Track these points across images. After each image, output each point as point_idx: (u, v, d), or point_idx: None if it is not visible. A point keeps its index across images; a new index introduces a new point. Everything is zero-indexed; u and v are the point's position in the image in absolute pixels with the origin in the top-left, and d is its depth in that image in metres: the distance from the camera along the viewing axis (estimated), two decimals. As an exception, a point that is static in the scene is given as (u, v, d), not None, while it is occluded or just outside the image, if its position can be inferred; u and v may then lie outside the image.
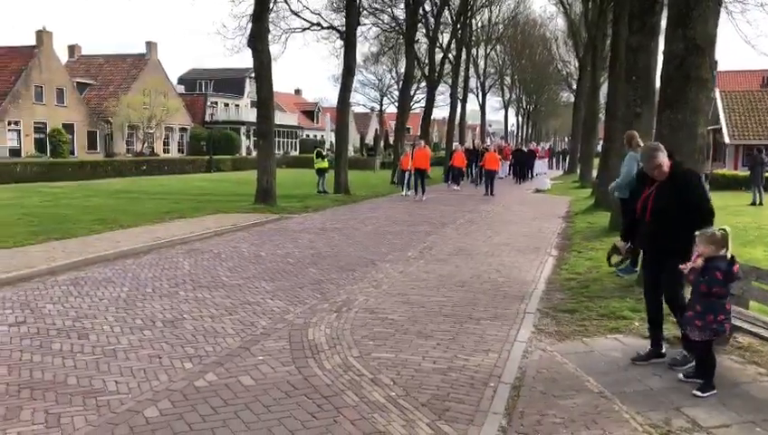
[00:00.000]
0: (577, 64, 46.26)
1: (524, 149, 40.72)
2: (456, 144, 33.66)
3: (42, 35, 42.93)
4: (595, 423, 4.55)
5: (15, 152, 40.09)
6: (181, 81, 64.15)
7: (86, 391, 5.02)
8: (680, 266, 5.16)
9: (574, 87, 49.52)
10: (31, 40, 43.67)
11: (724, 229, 5.07)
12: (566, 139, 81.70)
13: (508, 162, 38.03)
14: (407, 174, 24.27)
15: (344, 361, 5.78)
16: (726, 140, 35.79)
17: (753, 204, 21.47)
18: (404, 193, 24.07)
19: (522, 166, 35.66)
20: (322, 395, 5.00)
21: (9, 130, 40.62)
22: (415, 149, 24.18)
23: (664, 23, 9.70)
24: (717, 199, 21.62)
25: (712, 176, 29.88)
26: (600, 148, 27.78)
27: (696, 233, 5.13)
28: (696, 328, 5.00)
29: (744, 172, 30.39)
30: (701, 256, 5.05)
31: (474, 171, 32.31)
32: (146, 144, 49.62)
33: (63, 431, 4.34)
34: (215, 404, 4.80)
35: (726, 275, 4.95)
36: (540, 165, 41.70)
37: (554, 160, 59.46)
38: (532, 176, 36.63)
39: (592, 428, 4.48)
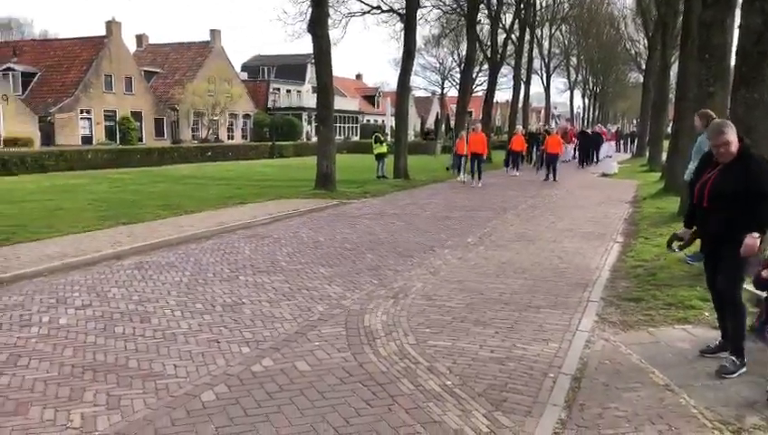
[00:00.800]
0: (646, 43, 44.64)
1: (589, 131, 38.38)
2: (518, 127, 32.19)
3: (111, 26, 44.33)
4: (660, 418, 4.35)
5: (87, 140, 41.67)
6: (244, 68, 65.25)
7: (146, 374, 5.11)
8: (756, 274, 4.71)
9: (643, 67, 47.88)
10: (101, 30, 45.22)
11: None
12: (634, 121, 79.24)
13: (573, 145, 37.05)
14: (462, 159, 23.62)
15: (400, 348, 5.72)
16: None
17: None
18: (459, 179, 23.35)
19: (586, 149, 34.14)
20: (377, 382, 4.95)
21: (81, 118, 42.22)
22: (470, 132, 23.45)
23: (740, -4, 9.16)
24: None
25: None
26: (669, 130, 26.79)
27: None
28: None
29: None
30: None
31: (535, 155, 31.18)
32: (210, 131, 50.74)
33: (123, 413, 4.43)
34: (270, 389, 4.82)
35: None
36: (607, 148, 40.24)
37: (622, 143, 57.81)
38: (597, 159, 35.04)
39: (657, 423, 4.28)
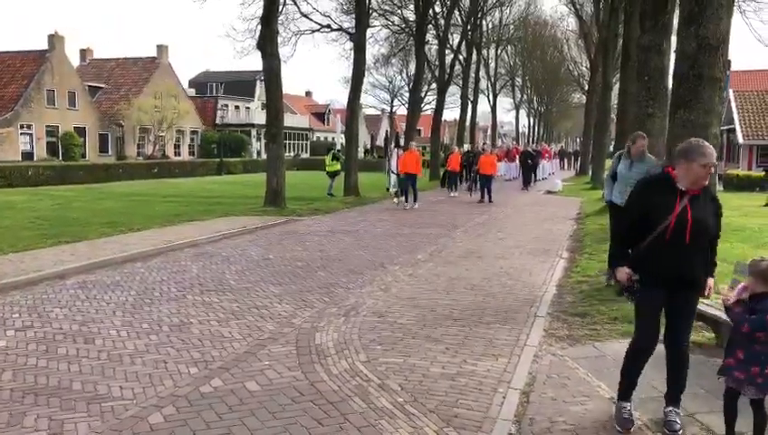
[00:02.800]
0: (588, 65, 46.06)
1: (530, 149, 35.99)
2: (453, 146, 31.22)
3: (53, 39, 43.21)
4: (605, 430, 4.45)
5: (28, 156, 40.35)
6: (192, 84, 64.48)
7: (90, 397, 4.97)
8: (722, 296, 4.23)
9: (586, 88, 49.28)
10: (43, 44, 43.99)
11: None
12: (578, 139, 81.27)
13: (514, 164, 36.84)
14: (392, 177, 22.39)
15: (351, 366, 5.71)
16: (740, 140, 35.43)
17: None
18: (395, 200, 21.54)
19: (528, 168, 32.01)
20: (329, 401, 4.92)
21: (22, 133, 40.89)
22: (402, 151, 21.91)
23: (676, 21, 9.55)
24: (732, 200, 21.43)
25: (726, 177, 29.62)
26: (612, 148, 27.57)
27: (748, 262, 4.22)
28: (737, 381, 4.05)
29: (757, 172, 30.12)
30: (746, 290, 4.10)
31: (471, 175, 28.36)
32: (157, 147, 49.83)
33: (66, 438, 4.29)
34: (220, 410, 4.74)
35: None
36: (549, 166, 40.88)
37: (566, 161, 59.16)
38: (535, 179, 33.38)
39: (604, 435, 4.38)
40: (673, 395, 4.51)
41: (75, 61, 50.36)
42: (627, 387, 4.58)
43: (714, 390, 5.09)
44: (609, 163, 24.21)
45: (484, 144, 35.29)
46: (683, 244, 4.17)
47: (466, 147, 39.75)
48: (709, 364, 5.60)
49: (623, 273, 4.38)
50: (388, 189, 24.65)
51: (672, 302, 4.34)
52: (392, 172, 22.48)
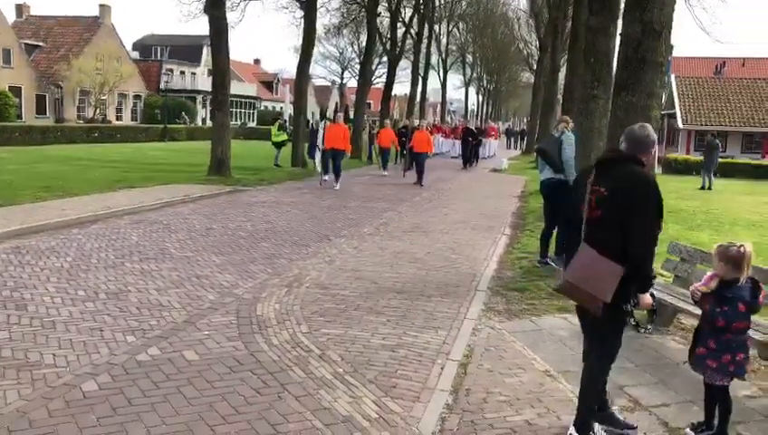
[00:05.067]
0: (538, 45, 46.52)
1: (472, 127, 33.76)
2: (385, 121, 27.24)
3: (-13, -7, 41.11)
4: (540, 402, 4.58)
5: (-42, 114, 38.51)
6: (136, 46, 62.37)
7: (21, 364, 4.83)
8: (692, 288, 4.18)
9: (534, 68, 49.85)
10: (-24, -3, 41.85)
11: (744, 246, 4.01)
12: (525, 119, 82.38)
13: (454, 141, 35.39)
14: (318, 154, 20.16)
15: (292, 336, 5.70)
16: (680, 124, 36.55)
17: (703, 188, 22.00)
18: (322, 177, 19.07)
19: (468, 147, 29.69)
20: (268, 371, 4.91)
21: (-49, 90, 38.96)
22: (328, 124, 19.61)
23: (623, 5, 9.71)
24: (670, 183, 22.09)
25: (665, 160, 30.53)
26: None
27: (715, 249, 4.13)
28: (710, 369, 4.03)
29: (695, 157, 31.14)
30: (716, 278, 4.06)
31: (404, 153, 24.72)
32: (98, 111, 48.23)
33: (-6, 406, 4.17)
34: (156, 379, 4.68)
35: (751, 307, 3.99)
36: (495, 145, 40.74)
37: (513, 140, 59.94)
38: (477, 160, 31.58)
39: (537, 406, 4.51)
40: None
41: (11, 17, 48.10)
42: (598, 401, 4.16)
43: (643, 365, 5.31)
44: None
45: (419, 119, 32.59)
46: None
47: (419, 122, 37.27)
48: (640, 340, 5.82)
49: (650, 299, 3.88)
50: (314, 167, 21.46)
51: None
52: (317, 147, 19.94)
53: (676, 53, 43.98)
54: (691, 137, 37.07)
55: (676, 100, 37.22)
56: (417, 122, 26.58)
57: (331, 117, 20.66)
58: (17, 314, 5.98)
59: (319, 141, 19.30)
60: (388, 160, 24.46)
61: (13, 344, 5.22)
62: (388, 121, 26.66)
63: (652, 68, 7.97)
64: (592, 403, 4.06)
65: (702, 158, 24.55)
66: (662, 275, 7.32)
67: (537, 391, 4.77)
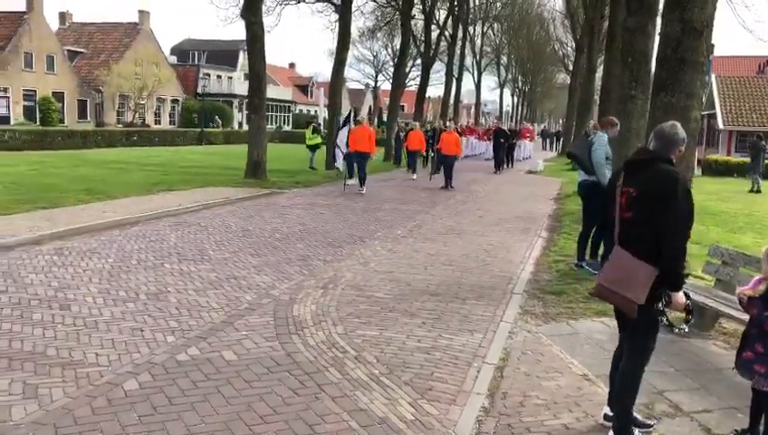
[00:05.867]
0: (574, 45, 46.05)
1: (505, 127, 31.71)
2: (413, 123, 26.53)
3: (32, 1, 42.22)
4: (578, 406, 4.54)
5: (4, 120, 39.61)
6: (174, 51, 63.43)
7: (65, 363, 4.95)
8: (738, 292, 4.11)
9: (570, 68, 49.35)
10: (21, 5, 42.98)
11: None
12: (561, 120, 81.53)
13: (488, 143, 33.77)
14: (339, 157, 19.03)
15: (328, 337, 5.74)
16: (720, 125, 35.79)
17: (752, 191, 21.44)
18: (346, 181, 18.28)
19: (501, 149, 28.27)
20: (305, 372, 4.95)
21: (-2, 96, 40.11)
22: (354, 126, 18.25)
23: (662, 4, 9.56)
24: (710, 185, 21.69)
25: (705, 162, 29.93)
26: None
27: (764, 248, 4.10)
28: (758, 374, 3.93)
29: (736, 158, 30.47)
30: (764, 282, 3.96)
31: (431, 157, 24.05)
32: (137, 115, 49.17)
33: (40, 402, 4.28)
34: (196, 378, 4.75)
35: None
36: (530, 147, 39.89)
37: (548, 142, 59.40)
38: (512, 162, 30.68)
39: (575, 410, 4.47)
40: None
41: (54, 24, 49.38)
42: (630, 413, 4.05)
43: (683, 369, 5.22)
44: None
45: (449, 120, 31.54)
46: None
47: (448, 123, 35.66)
48: (680, 344, 5.72)
49: (683, 296, 3.81)
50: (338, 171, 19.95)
51: None
52: (339, 149, 18.73)
53: (716, 52, 43.10)
54: (732, 138, 36.26)
55: (717, 100, 36.45)
56: (444, 124, 25.69)
57: (358, 118, 19.15)
58: (61, 313, 6.13)
59: (342, 144, 18.38)
60: (417, 164, 23.83)
61: (57, 343, 5.36)
62: (417, 124, 25.91)
63: (692, 68, 7.84)
64: (629, 406, 4.01)
65: (748, 160, 23.99)
66: (703, 279, 7.20)
67: (575, 395, 4.73)
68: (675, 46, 7.85)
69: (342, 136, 18.25)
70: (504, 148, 28.36)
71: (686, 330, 4.01)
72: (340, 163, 18.88)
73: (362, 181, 17.53)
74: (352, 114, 19.26)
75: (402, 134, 27.63)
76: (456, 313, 6.64)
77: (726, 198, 18.16)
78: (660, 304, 3.78)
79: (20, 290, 6.84)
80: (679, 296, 3.77)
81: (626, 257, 3.79)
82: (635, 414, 4.13)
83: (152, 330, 5.78)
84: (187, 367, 4.96)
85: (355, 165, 17.99)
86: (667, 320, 3.87)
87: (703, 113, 23.72)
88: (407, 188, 19.50)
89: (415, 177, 22.48)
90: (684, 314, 3.84)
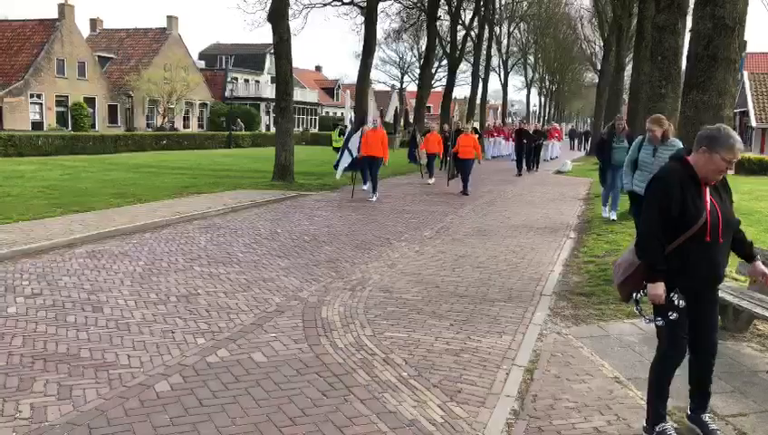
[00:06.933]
0: (602, 44, 45.61)
1: (527, 128, 29.35)
2: (431, 124, 25.66)
3: (64, 8, 43.10)
4: (609, 409, 4.48)
5: (38, 125, 40.47)
6: (202, 56, 64.28)
7: (98, 364, 5.04)
8: None
9: (598, 67, 48.87)
10: (53, 13, 43.89)
11: None
12: (589, 120, 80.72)
13: (510, 143, 32.94)
14: (343, 163, 17.48)
15: (357, 339, 5.75)
16: (753, 123, 35.14)
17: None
18: (354, 187, 17.35)
19: (524, 151, 26.52)
20: (334, 373, 4.97)
21: (31, 103, 40.98)
22: (366, 130, 17.38)
23: (692, 1, 9.43)
24: (743, 184, 21.22)
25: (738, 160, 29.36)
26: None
27: None
28: None
29: (770, 156, 29.85)
30: None
31: (447, 160, 22.14)
32: (166, 119, 49.84)
33: (75, 403, 4.36)
34: (226, 380, 4.80)
35: None
36: (558, 147, 39.16)
37: (576, 142, 58.86)
38: (537, 165, 29.00)
39: (606, 413, 4.41)
40: (703, 400, 4.13)
41: (85, 31, 50.31)
42: (662, 405, 4.05)
43: (717, 372, 5.11)
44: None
45: (463, 121, 29.06)
46: (717, 242, 3.78)
47: (472, 124, 30.65)
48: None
49: (660, 289, 3.77)
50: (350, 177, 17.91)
51: (699, 303, 3.91)
52: (349, 153, 17.30)
53: (749, 48, 42.33)
54: (765, 136, 35.58)
55: (749, 97, 35.81)
56: (463, 126, 22.66)
57: (373, 119, 18.09)
58: (94, 315, 6.23)
59: (354, 148, 17.13)
60: (434, 167, 22.05)
61: (90, 345, 5.45)
62: (434, 125, 24.84)
63: (724, 65, 7.72)
64: (656, 403, 4.02)
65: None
66: (737, 280, 7.07)
67: (606, 397, 4.67)
68: (706, 43, 7.74)
69: (355, 140, 17.24)
70: (526, 149, 26.59)
71: (654, 322, 3.95)
72: (340, 171, 17.50)
73: (374, 188, 16.52)
74: (376, 120, 18.23)
75: (419, 135, 26.52)
76: (485, 314, 6.61)
77: (761, 197, 17.80)
78: (637, 294, 3.95)
79: (54, 293, 6.97)
80: (651, 287, 3.79)
81: (628, 249, 4.12)
82: (663, 424, 4.03)
83: (183, 332, 5.85)
84: (217, 369, 5.01)
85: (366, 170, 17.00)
86: (639, 310, 4.00)
87: (735, 111, 23.36)
88: (418, 194, 19.18)
89: (431, 181, 21.14)
90: (657, 307, 3.86)
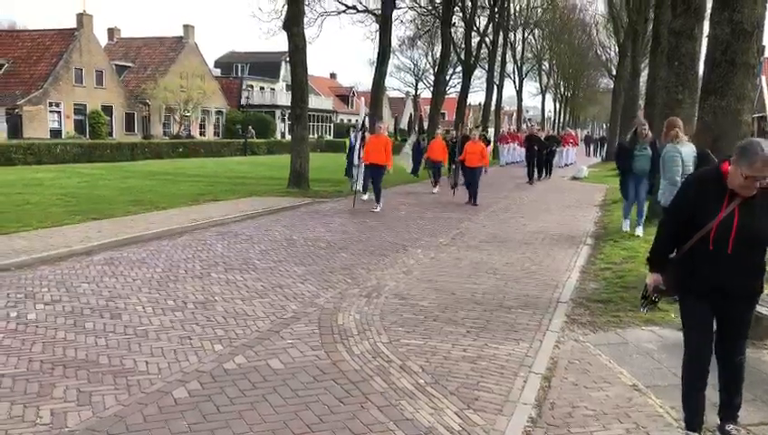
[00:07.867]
0: (617, 49, 45.43)
1: (539, 134, 28.50)
2: (437, 130, 23.79)
3: (82, 18, 43.64)
4: (628, 417, 4.44)
5: (56, 133, 40.94)
6: (217, 64, 64.74)
7: (117, 371, 5.07)
8: None
9: (614, 73, 48.66)
10: (71, 23, 44.44)
11: None
12: (604, 126, 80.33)
13: (520, 149, 32.34)
14: (355, 169, 17.28)
15: (373, 346, 5.75)
16: (771, 128, 34.81)
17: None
18: (364, 196, 17.05)
19: (536, 158, 25.46)
20: (350, 380, 4.97)
21: (50, 111, 41.47)
22: (369, 135, 16.76)
23: (709, 5, 9.37)
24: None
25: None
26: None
27: None
28: None
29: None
30: None
31: (453, 168, 20.67)
32: (182, 127, 50.23)
33: (94, 409, 4.39)
34: (243, 387, 4.81)
35: None
36: (572, 153, 38.88)
37: (592, 148, 58.54)
38: (550, 171, 28.12)
39: (625, 421, 4.38)
40: (729, 410, 4.10)
41: (103, 40, 50.87)
42: (690, 413, 4.04)
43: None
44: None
45: (470, 128, 27.70)
46: (724, 253, 3.73)
47: (480, 130, 27.17)
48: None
49: (652, 279, 4.18)
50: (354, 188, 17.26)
51: (721, 313, 3.92)
52: (353, 163, 17.03)
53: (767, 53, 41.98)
54: (784, 140, 35.21)
55: (768, 102, 35.50)
56: (470, 131, 21.50)
57: (372, 128, 17.40)
58: (112, 322, 6.28)
59: (355, 156, 16.63)
60: (439, 176, 21.03)
61: (109, 351, 5.49)
62: (439, 131, 23.25)
63: (742, 70, 7.67)
64: (684, 411, 4.07)
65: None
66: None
67: (625, 405, 4.63)
68: (724, 49, 7.69)
69: (356, 148, 16.77)
70: (536, 155, 25.51)
71: (643, 310, 4.61)
72: (354, 179, 17.09)
73: (378, 197, 15.65)
74: (366, 121, 17.91)
75: (424, 143, 25.26)
76: (502, 321, 6.58)
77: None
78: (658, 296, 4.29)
79: (73, 299, 7.03)
80: (649, 277, 4.22)
81: None
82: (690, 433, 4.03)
83: (200, 338, 5.88)
84: (234, 375, 5.03)
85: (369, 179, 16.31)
86: (643, 298, 4.36)
87: (754, 115, 23.15)
88: (432, 203, 18.65)
89: (435, 190, 20.30)
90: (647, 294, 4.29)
